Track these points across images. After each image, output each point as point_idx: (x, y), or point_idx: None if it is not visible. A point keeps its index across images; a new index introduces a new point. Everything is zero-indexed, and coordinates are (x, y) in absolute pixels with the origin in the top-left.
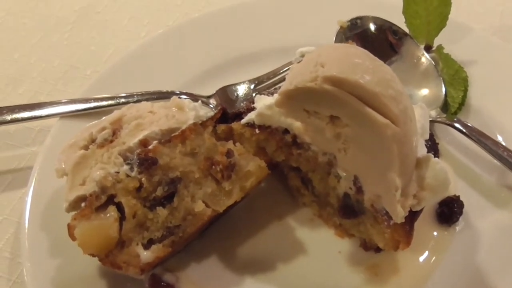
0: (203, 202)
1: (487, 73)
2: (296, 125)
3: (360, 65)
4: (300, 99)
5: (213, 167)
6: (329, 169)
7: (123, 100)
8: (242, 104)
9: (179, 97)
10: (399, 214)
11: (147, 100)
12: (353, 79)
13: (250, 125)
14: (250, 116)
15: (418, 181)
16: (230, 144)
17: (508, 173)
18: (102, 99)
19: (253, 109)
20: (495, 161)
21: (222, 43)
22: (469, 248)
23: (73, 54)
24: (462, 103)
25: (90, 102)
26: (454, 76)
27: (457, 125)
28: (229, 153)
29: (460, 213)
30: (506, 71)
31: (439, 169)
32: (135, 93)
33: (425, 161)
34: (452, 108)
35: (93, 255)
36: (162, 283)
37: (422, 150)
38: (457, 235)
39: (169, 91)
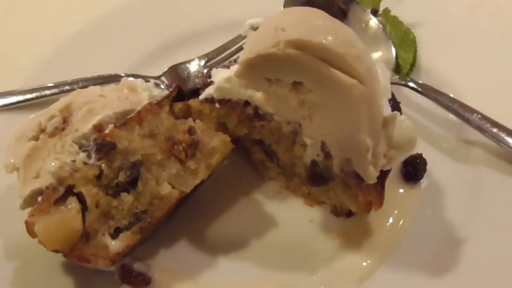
0: (169, 184)
1: (434, 33)
2: (257, 96)
3: (321, 27)
4: (262, 67)
5: (175, 146)
6: (294, 138)
7: (67, 87)
8: (197, 80)
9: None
10: (371, 175)
11: (93, 85)
12: (316, 41)
13: (209, 100)
14: (209, 91)
15: (387, 140)
16: (190, 122)
17: (465, 128)
18: (44, 88)
19: (210, 84)
20: (452, 117)
21: (166, 22)
22: (436, 203)
23: (3, 45)
24: (413, 64)
25: (31, 93)
26: (403, 38)
27: (411, 84)
28: (190, 131)
29: (424, 170)
30: (452, 30)
31: (405, 126)
32: (79, 79)
33: (391, 119)
34: (404, 69)
35: (57, 251)
36: (133, 273)
37: (386, 110)
38: (423, 192)
39: (115, 74)
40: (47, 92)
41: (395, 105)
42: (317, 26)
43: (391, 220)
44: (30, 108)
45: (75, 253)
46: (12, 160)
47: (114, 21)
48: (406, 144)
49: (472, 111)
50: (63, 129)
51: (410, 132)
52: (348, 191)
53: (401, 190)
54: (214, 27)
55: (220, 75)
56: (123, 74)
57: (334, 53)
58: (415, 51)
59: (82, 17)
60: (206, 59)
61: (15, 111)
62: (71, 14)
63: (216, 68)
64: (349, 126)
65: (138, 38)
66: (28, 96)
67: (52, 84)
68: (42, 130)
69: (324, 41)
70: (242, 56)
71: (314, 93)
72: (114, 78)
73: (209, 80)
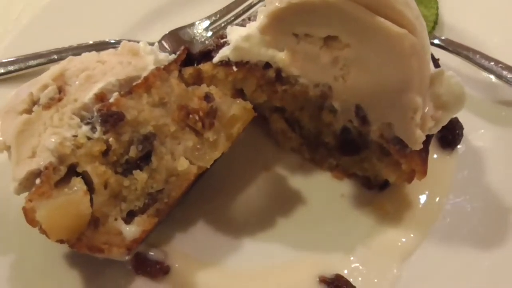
0: (186, 158)
1: None
2: (280, 56)
3: None
4: (291, 20)
5: (190, 116)
6: (322, 103)
7: (55, 56)
8: (207, 42)
9: None
10: (419, 140)
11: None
12: None
13: (225, 63)
14: (224, 53)
15: (434, 100)
16: (204, 88)
17: (500, 87)
18: (28, 58)
19: (223, 45)
20: (482, 76)
21: None
22: (476, 170)
23: None
24: (435, 22)
25: (13, 64)
26: None
27: (437, 41)
28: (208, 97)
29: (462, 135)
30: None
31: (454, 84)
32: (68, 47)
33: (439, 76)
34: (427, 27)
35: (62, 241)
36: (149, 261)
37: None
38: (460, 158)
39: (110, 40)
40: (32, 62)
41: (434, 62)
42: None
43: (429, 190)
44: (14, 82)
45: (83, 242)
46: (1, 138)
47: None
48: (455, 103)
49: (510, 68)
50: (59, 99)
51: (459, 90)
52: (386, 159)
53: (435, 156)
54: None
55: (237, 34)
56: (113, 41)
57: None
58: (437, 8)
59: None
60: (209, 21)
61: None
62: None
63: (231, 26)
64: (395, 83)
65: (128, 1)
66: (10, 67)
67: (37, 53)
68: (35, 102)
69: None
70: (268, 7)
71: (352, 48)
72: (108, 45)
73: (222, 41)
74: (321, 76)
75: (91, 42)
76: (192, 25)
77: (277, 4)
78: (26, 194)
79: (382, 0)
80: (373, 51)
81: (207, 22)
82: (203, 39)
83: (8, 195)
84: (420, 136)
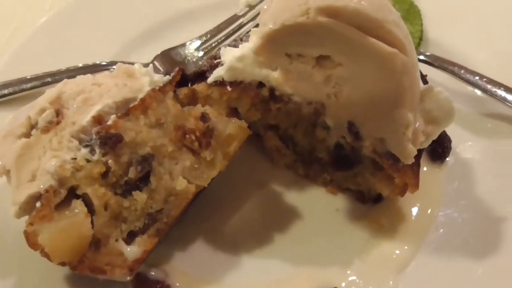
0: (184, 178)
1: (439, 5)
2: (273, 75)
3: None
4: (285, 41)
5: (187, 136)
6: (315, 120)
7: (49, 79)
8: (200, 63)
9: None
10: (410, 154)
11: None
12: (351, 6)
13: (219, 83)
14: (218, 73)
15: (424, 115)
16: (200, 108)
17: (485, 100)
18: (22, 82)
19: (217, 65)
20: (467, 90)
21: (148, 5)
22: (466, 181)
23: None
24: (420, 38)
25: (7, 87)
26: (409, 11)
27: (422, 57)
28: (204, 117)
29: (450, 148)
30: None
31: (443, 99)
32: (62, 70)
33: (428, 92)
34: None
35: (64, 264)
36: (150, 281)
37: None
38: (450, 170)
39: (102, 62)
40: (26, 85)
41: (423, 78)
42: None
43: (421, 202)
44: (9, 105)
45: (85, 264)
46: (0, 162)
47: (93, 4)
48: (444, 118)
49: (494, 83)
50: (57, 122)
51: (448, 105)
52: (379, 174)
53: (425, 169)
54: (202, 8)
55: (230, 54)
56: (104, 63)
57: (372, 19)
58: (422, 24)
59: (53, 4)
60: (200, 41)
61: None
62: (39, 2)
63: (225, 47)
64: (387, 100)
65: (122, 23)
66: (4, 91)
67: (31, 76)
68: (33, 126)
69: (359, 6)
70: (261, 28)
71: (344, 66)
72: (100, 67)
73: (215, 62)
74: (314, 94)
75: (81, 65)
76: (183, 45)
77: (270, 25)
78: (25, 218)
79: (373, 20)
80: (365, 70)
81: (198, 42)
82: (194, 59)
83: (6, 219)
84: (412, 150)
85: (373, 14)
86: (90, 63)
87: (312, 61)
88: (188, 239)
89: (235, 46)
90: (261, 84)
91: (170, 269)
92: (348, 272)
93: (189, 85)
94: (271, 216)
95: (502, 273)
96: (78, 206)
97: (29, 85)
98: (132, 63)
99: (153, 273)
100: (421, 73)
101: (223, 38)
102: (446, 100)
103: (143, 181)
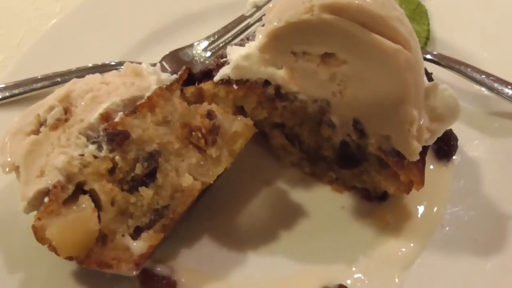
0: (190, 174)
1: (446, 4)
2: (279, 73)
3: None
4: (290, 39)
5: (193, 133)
6: (320, 118)
7: (58, 79)
8: (207, 62)
9: None
10: (416, 151)
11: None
12: (355, 3)
13: (225, 82)
14: (224, 72)
15: (429, 112)
16: (206, 106)
17: (492, 99)
18: (32, 81)
19: (223, 64)
20: (475, 89)
21: (157, 6)
22: (472, 180)
23: None
24: (427, 37)
25: (18, 87)
26: (415, 10)
27: (429, 56)
28: (210, 115)
29: (457, 146)
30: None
31: (448, 96)
32: (71, 70)
33: (433, 89)
34: (420, 43)
35: (71, 258)
36: (156, 277)
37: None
38: (457, 169)
39: (111, 63)
40: (36, 85)
41: (428, 76)
42: None
43: (427, 200)
44: (19, 105)
45: (92, 258)
46: (9, 159)
47: (102, 6)
48: (449, 115)
49: (501, 81)
50: (66, 120)
51: (454, 102)
52: (385, 171)
53: (432, 167)
54: (210, 9)
55: (237, 53)
56: (113, 63)
57: (375, 16)
58: (429, 24)
59: (62, 8)
60: (207, 42)
61: (4, 107)
62: (49, 6)
63: (231, 46)
64: (392, 97)
65: (130, 25)
66: (15, 91)
67: (41, 76)
68: (42, 123)
69: (363, 3)
70: (267, 26)
71: (349, 64)
72: (109, 67)
73: (222, 60)
74: (319, 92)
75: (90, 65)
76: (191, 46)
77: (275, 23)
78: (34, 213)
79: (376, 17)
80: (370, 67)
81: (205, 43)
82: (202, 59)
83: (14, 215)
84: (417, 147)
85: (377, 11)
86: (99, 63)
87: (317, 58)
88: (194, 236)
89: (242, 45)
90: (267, 82)
91: (176, 265)
92: (354, 269)
93: (196, 84)
94: (277, 214)
95: (509, 272)
96: (85, 201)
97: (39, 84)
98: (140, 63)
99: (159, 269)
100: (426, 70)
101: (230, 39)
102: (451, 97)
103: (149, 177)
